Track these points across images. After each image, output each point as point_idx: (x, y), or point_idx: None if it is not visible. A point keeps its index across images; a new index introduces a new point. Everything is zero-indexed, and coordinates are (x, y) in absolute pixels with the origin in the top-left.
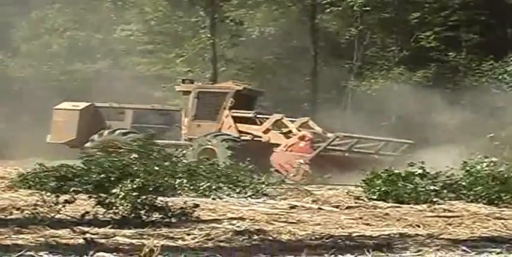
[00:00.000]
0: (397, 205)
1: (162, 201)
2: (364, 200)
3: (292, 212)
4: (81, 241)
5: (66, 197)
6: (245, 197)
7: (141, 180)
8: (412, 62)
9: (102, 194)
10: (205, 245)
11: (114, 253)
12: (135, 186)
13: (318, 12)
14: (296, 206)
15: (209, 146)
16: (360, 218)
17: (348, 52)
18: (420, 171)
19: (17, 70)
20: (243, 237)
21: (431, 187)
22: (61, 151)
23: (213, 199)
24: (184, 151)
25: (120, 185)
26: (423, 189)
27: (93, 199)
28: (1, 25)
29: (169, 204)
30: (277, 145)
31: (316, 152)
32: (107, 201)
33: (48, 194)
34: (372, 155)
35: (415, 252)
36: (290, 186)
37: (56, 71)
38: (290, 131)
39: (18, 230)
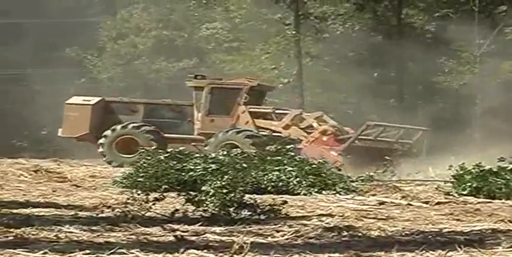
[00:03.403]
0: (488, 200)
1: (250, 198)
2: (454, 196)
3: (381, 209)
4: (171, 238)
5: (156, 195)
6: (334, 194)
7: (230, 177)
8: (498, 55)
9: (191, 192)
10: (295, 242)
11: (205, 250)
12: (224, 183)
13: (403, 7)
14: (385, 202)
15: (231, 142)
16: (451, 214)
17: (433, 47)
18: None
19: (104, 70)
20: (333, 234)
21: None
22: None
23: (305, 194)
24: (206, 147)
25: (210, 183)
26: None
27: (182, 196)
28: (88, 25)
29: (258, 201)
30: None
31: (348, 143)
32: (196, 199)
33: (139, 192)
34: (393, 143)
35: (508, 248)
36: (379, 182)
37: (142, 70)
38: (310, 126)
39: (110, 228)
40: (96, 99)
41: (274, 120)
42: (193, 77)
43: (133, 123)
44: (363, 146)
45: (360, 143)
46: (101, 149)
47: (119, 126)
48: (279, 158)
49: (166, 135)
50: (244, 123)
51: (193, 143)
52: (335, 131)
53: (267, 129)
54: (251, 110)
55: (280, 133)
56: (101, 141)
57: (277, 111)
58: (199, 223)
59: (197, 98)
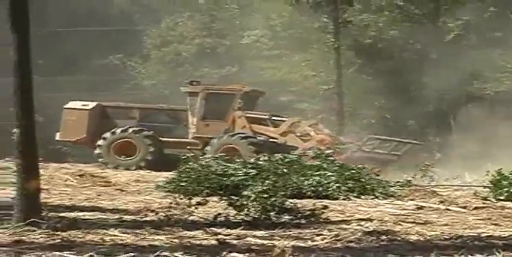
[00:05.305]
0: None
1: (291, 203)
2: (491, 201)
3: (419, 213)
4: (214, 242)
5: (198, 199)
6: (372, 198)
7: (271, 182)
8: None
9: (233, 197)
10: (335, 246)
11: (247, 254)
12: (265, 188)
13: (441, 14)
14: (423, 206)
15: (230, 145)
16: (488, 218)
17: (470, 53)
18: None
19: (148, 77)
20: (372, 238)
21: None
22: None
23: (344, 199)
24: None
25: (251, 188)
26: None
27: (224, 201)
28: (133, 33)
29: (299, 206)
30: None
31: (349, 153)
32: (237, 203)
33: (181, 196)
34: (387, 155)
35: None
36: (417, 187)
37: (185, 78)
38: (307, 134)
39: (154, 232)
40: (93, 104)
41: (268, 126)
42: (189, 83)
43: (133, 127)
44: (360, 157)
45: (358, 153)
46: (98, 151)
47: (119, 130)
48: (319, 163)
49: (161, 139)
50: (241, 128)
51: (188, 147)
52: (332, 140)
53: (264, 135)
54: (247, 115)
55: (276, 139)
56: (99, 143)
57: (274, 118)
58: (241, 227)
59: (191, 103)
